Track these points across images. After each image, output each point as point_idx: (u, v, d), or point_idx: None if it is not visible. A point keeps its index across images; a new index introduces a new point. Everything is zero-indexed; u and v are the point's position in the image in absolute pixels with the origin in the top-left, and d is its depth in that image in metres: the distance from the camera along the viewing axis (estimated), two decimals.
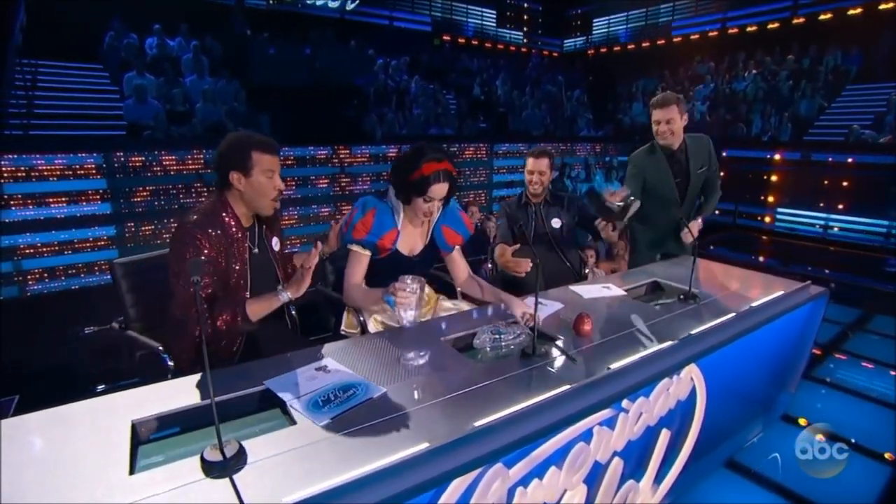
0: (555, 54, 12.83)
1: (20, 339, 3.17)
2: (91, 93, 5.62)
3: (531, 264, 2.35)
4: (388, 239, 1.83)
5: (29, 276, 4.19)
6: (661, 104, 2.52)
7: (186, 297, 1.53)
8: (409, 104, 7.71)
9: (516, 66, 10.81)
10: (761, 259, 5.99)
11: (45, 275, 4.24)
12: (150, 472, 1.04)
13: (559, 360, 1.51)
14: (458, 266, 2.04)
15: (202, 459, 1.04)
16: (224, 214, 1.65)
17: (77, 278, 4.35)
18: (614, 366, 1.47)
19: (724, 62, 10.01)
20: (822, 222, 6.93)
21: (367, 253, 1.86)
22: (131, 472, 1.05)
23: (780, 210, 7.32)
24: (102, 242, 4.46)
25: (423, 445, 1.10)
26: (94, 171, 4.41)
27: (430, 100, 7.99)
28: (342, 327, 1.96)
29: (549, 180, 2.72)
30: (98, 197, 4.43)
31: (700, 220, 2.65)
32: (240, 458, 1.05)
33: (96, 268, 4.41)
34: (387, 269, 1.89)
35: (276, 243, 1.83)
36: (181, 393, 1.30)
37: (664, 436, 1.61)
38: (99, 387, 1.99)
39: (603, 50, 12.54)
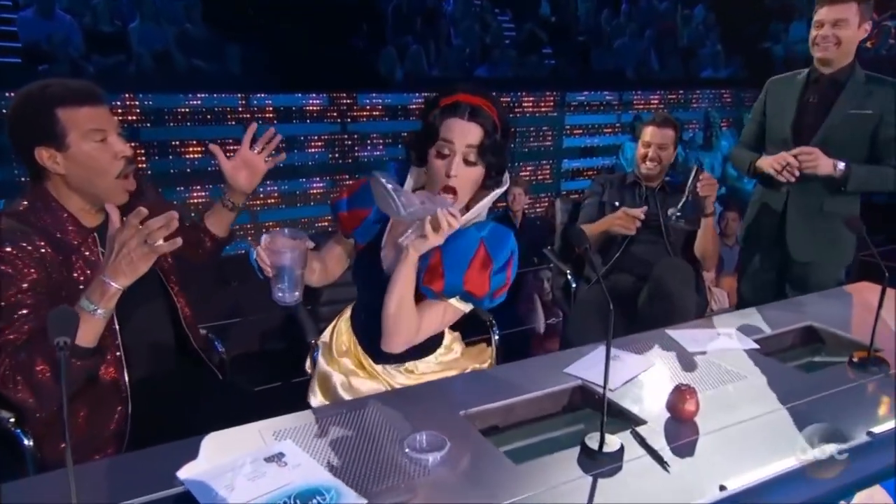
0: None
1: None
2: None
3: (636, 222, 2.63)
4: (355, 216, 1.86)
5: None
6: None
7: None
8: (444, 31, 7.62)
9: None
10: None
11: None
12: None
13: (642, 463, 1.42)
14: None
15: None
16: (48, 216, 1.60)
17: None
18: (733, 482, 1.36)
19: None
20: None
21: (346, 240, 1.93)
22: None
23: None
24: None
25: None
26: None
27: (475, 24, 7.88)
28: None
29: (670, 160, 2.88)
30: None
31: (844, 167, 2.62)
32: None
33: None
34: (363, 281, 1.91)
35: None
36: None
37: None
38: None
39: None
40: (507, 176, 1.78)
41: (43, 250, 1.55)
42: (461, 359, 1.97)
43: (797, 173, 2.61)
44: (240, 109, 5.38)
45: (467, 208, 1.76)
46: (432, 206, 1.57)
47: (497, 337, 2.29)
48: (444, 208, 1.57)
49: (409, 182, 1.82)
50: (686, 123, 7.80)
